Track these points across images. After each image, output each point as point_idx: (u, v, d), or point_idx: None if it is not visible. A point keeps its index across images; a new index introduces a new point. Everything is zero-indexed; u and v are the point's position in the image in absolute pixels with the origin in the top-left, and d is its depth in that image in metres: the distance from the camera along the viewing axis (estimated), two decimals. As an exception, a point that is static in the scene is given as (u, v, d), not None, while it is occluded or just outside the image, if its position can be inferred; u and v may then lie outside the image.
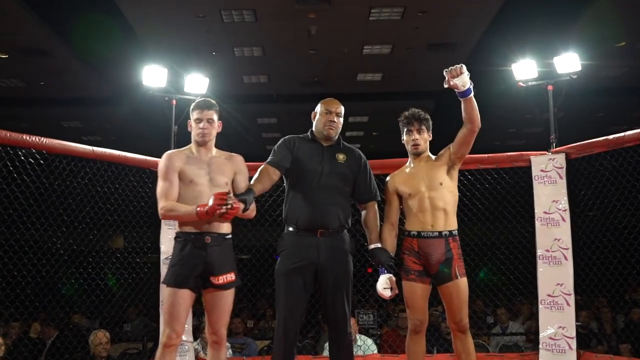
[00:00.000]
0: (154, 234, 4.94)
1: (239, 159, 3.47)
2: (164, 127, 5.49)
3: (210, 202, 3.10)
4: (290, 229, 3.42)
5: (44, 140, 4.25)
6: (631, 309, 7.53)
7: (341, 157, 3.50)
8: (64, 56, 11.36)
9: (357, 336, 5.48)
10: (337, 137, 3.56)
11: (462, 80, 3.29)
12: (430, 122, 3.65)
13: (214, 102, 3.48)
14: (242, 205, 3.14)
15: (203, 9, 9.86)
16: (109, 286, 5.59)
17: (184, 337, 4.69)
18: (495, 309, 7.50)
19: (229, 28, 10.51)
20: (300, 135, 3.60)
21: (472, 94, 3.36)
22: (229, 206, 3.06)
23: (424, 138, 3.61)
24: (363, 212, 3.59)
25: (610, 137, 4.49)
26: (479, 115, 3.43)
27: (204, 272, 3.22)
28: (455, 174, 3.61)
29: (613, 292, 5.76)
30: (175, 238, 3.33)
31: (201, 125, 3.35)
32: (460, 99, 3.38)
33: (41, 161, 4.31)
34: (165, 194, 3.27)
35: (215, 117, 3.40)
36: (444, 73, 3.33)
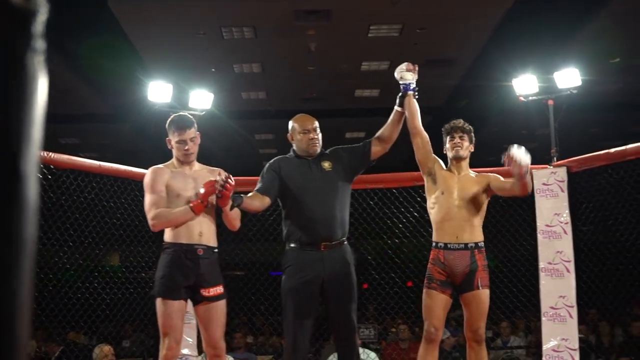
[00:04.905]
0: (158, 250, 4.94)
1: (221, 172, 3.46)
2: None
3: (202, 191, 3.11)
4: (293, 245, 3.41)
5: (52, 155, 4.28)
6: (632, 322, 7.55)
7: (327, 165, 3.49)
8: (64, 73, 11.41)
9: (360, 349, 5.50)
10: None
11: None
12: (473, 135, 3.70)
13: (191, 117, 3.43)
14: (232, 182, 3.11)
15: (203, 27, 9.94)
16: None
17: (188, 352, 4.70)
18: (498, 322, 7.56)
19: (229, 45, 10.59)
20: (286, 155, 3.59)
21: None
22: (223, 182, 3.04)
23: (465, 145, 3.65)
24: (375, 144, 3.59)
25: (612, 150, 4.55)
26: (530, 187, 3.50)
27: (195, 284, 3.20)
28: (486, 198, 3.62)
29: (615, 305, 5.79)
30: (164, 249, 3.27)
31: (186, 147, 3.29)
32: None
33: (49, 176, 4.33)
34: (155, 204, 3.22)
35: (196, 133, 3.34)
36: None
